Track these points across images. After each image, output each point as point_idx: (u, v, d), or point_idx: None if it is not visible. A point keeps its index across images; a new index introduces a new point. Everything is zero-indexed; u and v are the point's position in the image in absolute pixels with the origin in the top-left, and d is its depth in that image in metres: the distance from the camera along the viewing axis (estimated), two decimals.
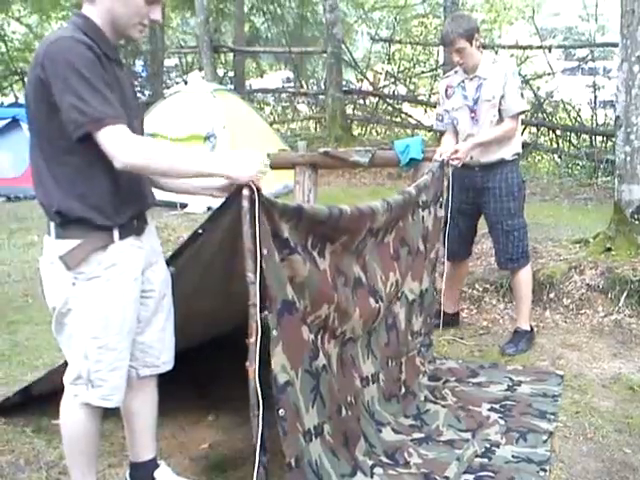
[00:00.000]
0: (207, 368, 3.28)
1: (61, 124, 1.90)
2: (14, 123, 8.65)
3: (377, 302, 2.84)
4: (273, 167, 5.17)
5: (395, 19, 14.64)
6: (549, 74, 10.19)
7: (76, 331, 2.06)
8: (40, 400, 2.96)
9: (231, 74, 14.75)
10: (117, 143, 1.90)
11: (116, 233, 2.05)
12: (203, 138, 7.80)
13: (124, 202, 2.07)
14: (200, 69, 13.04)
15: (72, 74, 1.85)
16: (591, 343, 3.88)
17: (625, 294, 4.15)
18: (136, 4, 2.00)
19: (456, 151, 3.58)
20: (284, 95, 14.17)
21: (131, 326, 2.13)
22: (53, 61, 1.87)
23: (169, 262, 2.32)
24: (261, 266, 2.04)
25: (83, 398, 2.11)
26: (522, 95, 3.70)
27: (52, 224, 2.03)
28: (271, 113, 13.48)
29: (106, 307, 2.05)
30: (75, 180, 1.98)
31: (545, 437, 2.81)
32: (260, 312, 2.04)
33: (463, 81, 3.74)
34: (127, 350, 2.14)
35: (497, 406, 3.10)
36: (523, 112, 3.71)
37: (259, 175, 2.02)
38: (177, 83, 13.98)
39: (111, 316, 2.06)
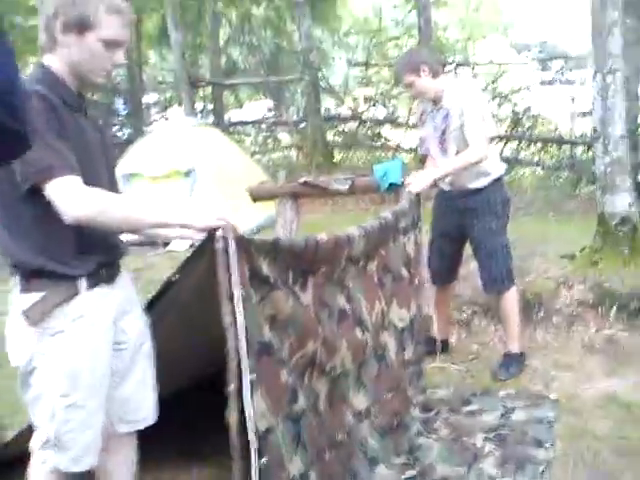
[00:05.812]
0: (186, 418, 3.14)
1: (12, 175, 1.81)
2: None
3: (363, 333, 2.75)
4: (255, 199, 5.13)
5: (371, 41, 14.76)
6: (526, 88, 10.24)
7: (43, 391, 1.96)
8: (7, 467, 2.79)
9: (210, 107, 14.78)
10: (65, 196, 1.81)
11: (82, 283, 1.95)
12: (184, 174, 7.74)
13: (88, 251, 1.97)
14: (179, 104, 13.05)
15: None
16: (584, 362, 3.79)
17: (615, 308, 4.09)
18: (97, 50, 1.94)
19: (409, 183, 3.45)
20: (264, 125, 14.17)
21: (102, 381, 2.02)
22: None
23: (145, 311, 2.23)
24: (238, 309, 1.96)
25: (51, 463, 1.99)
26: (484, 119, 3.51)
27: (17, 278, 1.95)
28: (252, 144, 13.47)
29: (74, 362, 1.94)
30: (32, 231, 1.90)
31: (542, 467, 2.72)
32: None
33: (432, 110, 3.67)
34: (99, 407, 2.02)
35: (491, 435, 3.01)
36: (488, 137, 3.51)
37: (219, 223, 1.92)
38: (157, 120, 13.98)
39: (79, 371, 1.95)
